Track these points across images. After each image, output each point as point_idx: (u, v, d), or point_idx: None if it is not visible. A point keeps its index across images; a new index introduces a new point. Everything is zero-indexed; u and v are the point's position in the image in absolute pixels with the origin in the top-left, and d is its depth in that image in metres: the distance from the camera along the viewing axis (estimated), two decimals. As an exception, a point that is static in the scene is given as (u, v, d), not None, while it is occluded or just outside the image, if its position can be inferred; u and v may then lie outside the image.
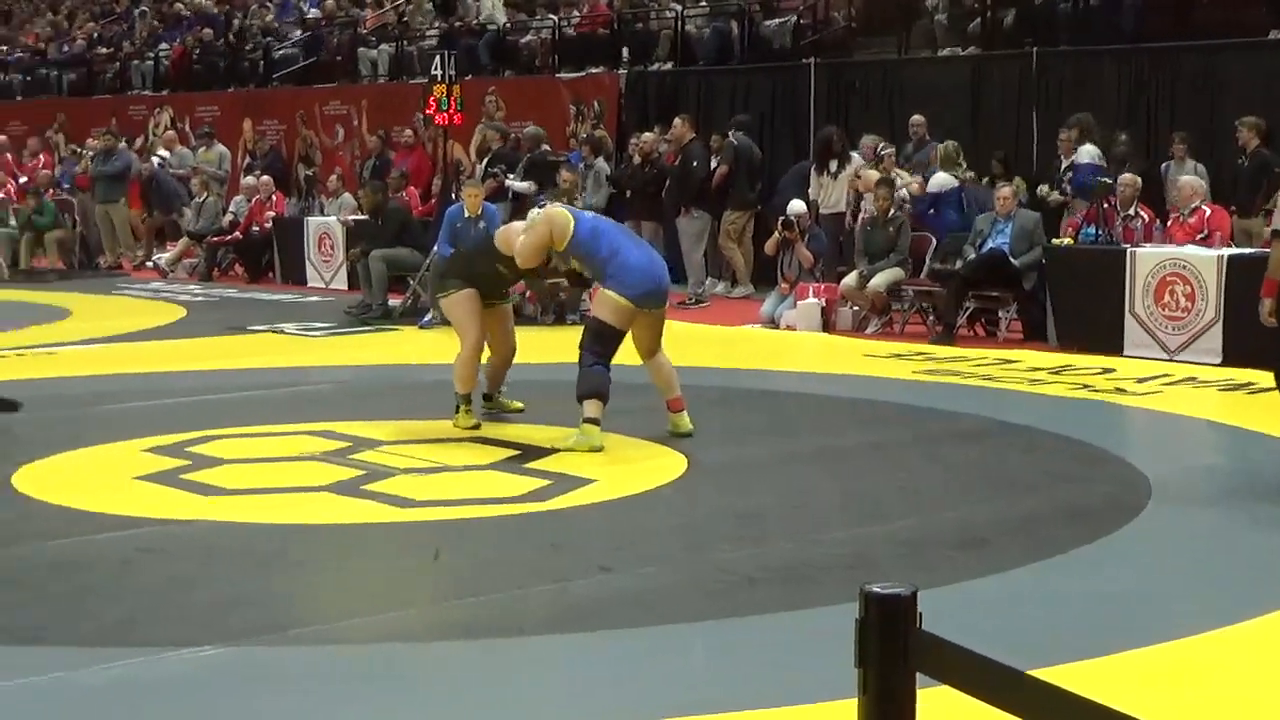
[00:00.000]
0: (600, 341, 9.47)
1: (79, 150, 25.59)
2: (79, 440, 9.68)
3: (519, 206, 18.22)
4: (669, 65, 21.61)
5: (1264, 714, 5.15)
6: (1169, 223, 14.36)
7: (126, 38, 32.92)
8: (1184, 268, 13.17)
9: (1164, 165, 15.81)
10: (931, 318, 15.15)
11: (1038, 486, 8.49)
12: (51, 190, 23.76)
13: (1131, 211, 14.40)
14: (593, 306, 9.65)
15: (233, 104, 27.33)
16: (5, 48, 35.67)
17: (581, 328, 10.16)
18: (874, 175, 16.22)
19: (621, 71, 21.76)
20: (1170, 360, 12.98)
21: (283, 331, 15.67)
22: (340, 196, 21.15)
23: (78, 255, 23.48)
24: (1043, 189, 15.97)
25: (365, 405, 11.01)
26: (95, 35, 33.64)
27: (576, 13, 23.49)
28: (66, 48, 33.66)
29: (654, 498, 8.20)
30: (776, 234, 16.16)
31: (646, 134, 19.06)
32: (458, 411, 10.11)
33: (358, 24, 27.04)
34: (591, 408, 9.34)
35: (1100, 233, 14.21)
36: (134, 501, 7.97)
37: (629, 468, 8.92)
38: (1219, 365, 12.64)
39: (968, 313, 14.94)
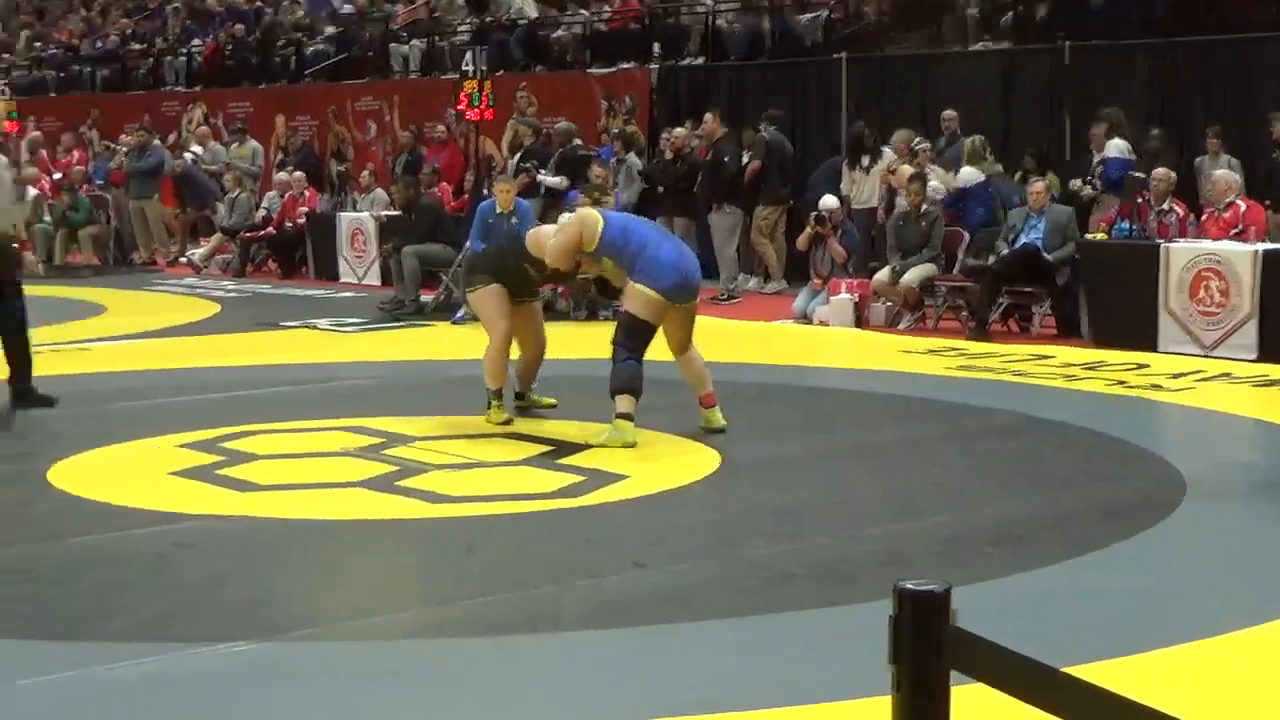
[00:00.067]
0: (632, 336, 9.47)
1: (113, 146, 25.69)
2: (113, 436, 9.73)
3: (551, 202, 18.27)
4: (700, 60, 21.59)
5: (1300, 711, 5.13)
6: (1203, 218, 14.29)
7: (159, 34, 33.02)
8: (1218, 263, 13.11)
9: (1198, 160, 15.75)
10: (965, 313, 15.12)
11: (1072, 483, 8.46)
12: (86, 186, 23.86)
13: (1165, 206, 14.34)
14: (624, 301, 9.66)
15: (265, 100, 27.40)
16: (39, 44, 35.82)
17: (614, 323, 10.16)
18: (908, 170, 16.19)
19: (653, 66, 21.75)
20: (1205, 356, 12.93)
21: (316, 327, 15.71)
22: (373, 192, 21.18)
23: (112, 251, 23.58)
24: (1075, 183, 15.91)
25: (398, 401, 11.03)
26: (128, 31, 33.75)
27: (608, 7, 23.50)
28: (100, 44, 33.78)
29: (687, 494, 8.20)
30: (809, 229, 16.14)
31: (678, 129, 19.06)
32: (489, 407, 10.13)
33: (390, 20, 27.08)
34: (624, 403, 9.34)
35: (1134, 228, 14.16)
36: (168, 497, 8.00)
37: (662, 464, 8.92)
38: (1254, 361, 12.59)
39: (1001, 308, 14.90)
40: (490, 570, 6.73)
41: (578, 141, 19.68)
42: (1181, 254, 13.41)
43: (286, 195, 21.79)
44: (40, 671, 5.34)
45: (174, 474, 8.55)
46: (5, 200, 10.96)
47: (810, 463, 9.00)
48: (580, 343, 12.60)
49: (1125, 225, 14.25)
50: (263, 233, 21.94)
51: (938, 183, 16.13)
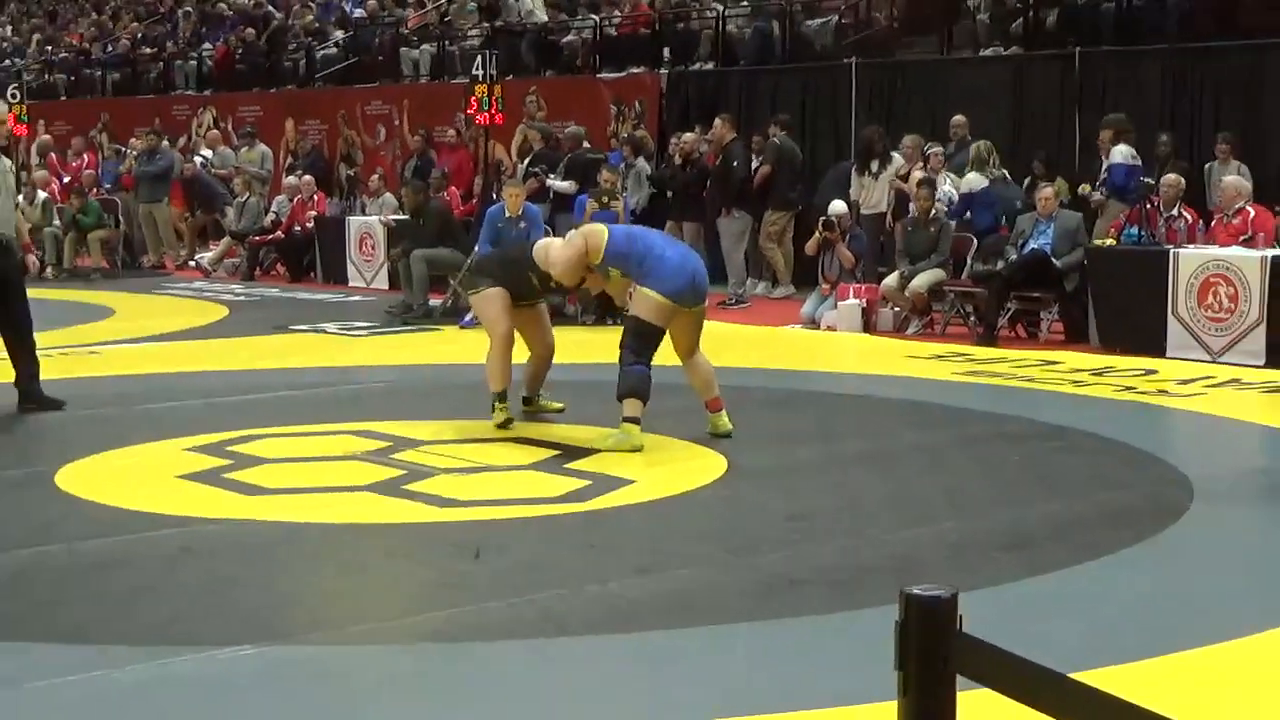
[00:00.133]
0: (640, 340, 9.47)
1: (122, 150, 25.72)
2: (122, 439, 9.73)
3: (560, 206, 18.29)
4: (710, 65, 21.61)
5: (1308, 719, 5.12)
6: (1212, 224, 14.28)
7: (170, 38, 33.08)
8: (1227, 269, 13.09)
9: (1208, 166, 15.74)
10: (973, 319, 15.11)
11: (1080, 488, 8.45)
12: (95, 190, 23.88)
13: (1174, 212, 14.33)
14: (631, 305, 9.67)
15: (275, 104, 27.43)
16: (50, 48, 35.88)
17: (621, 328, 10.16)
18: (919, 175, 16.20)
19: (663, 71, 21.77)
20: (1213, 362, 12.91)
21: (324, 331, 15.72)
22: (382, 196, 21.20)
23: (121, 254, 23.60)
24: (1084, 188, 15.91)
25: (406, 405, 11.03)
26: (139, 35, 33.81)
27: (618, 12, 23.51)
28: (110, 48, 33.84)
29: (694, 499, 8.19)
30: (817, 234, 16.14)
31: (687, 134, 19.06)
32: (494, 410, 10.13)
33: (400, 24, 27.11)
34: (631, 407, 9.34)
35: (1143, 234, 14.15)
36: (176, 501, 8.00)
37: (669, 468, 8.91)
38: (1262, 367, 12.58)
39: (1009, 314, 14.89)
40: (497, 575, 6.72)
41: (586, 145, 19.69)
42: (1190, 260, 13.40)
43: (295, 199, 21.81)
44: (47, 675, 5.34)
45: (182, 477, 8.55)
46: (8, 203, 10.96)
47: (818, 468, 8.99)
48: (588, 347, 12.60)
49: (1134, 231, 14.24)
50: (271, 236, 21.96)
51: (950, 188, 16.14)
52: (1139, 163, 15.36)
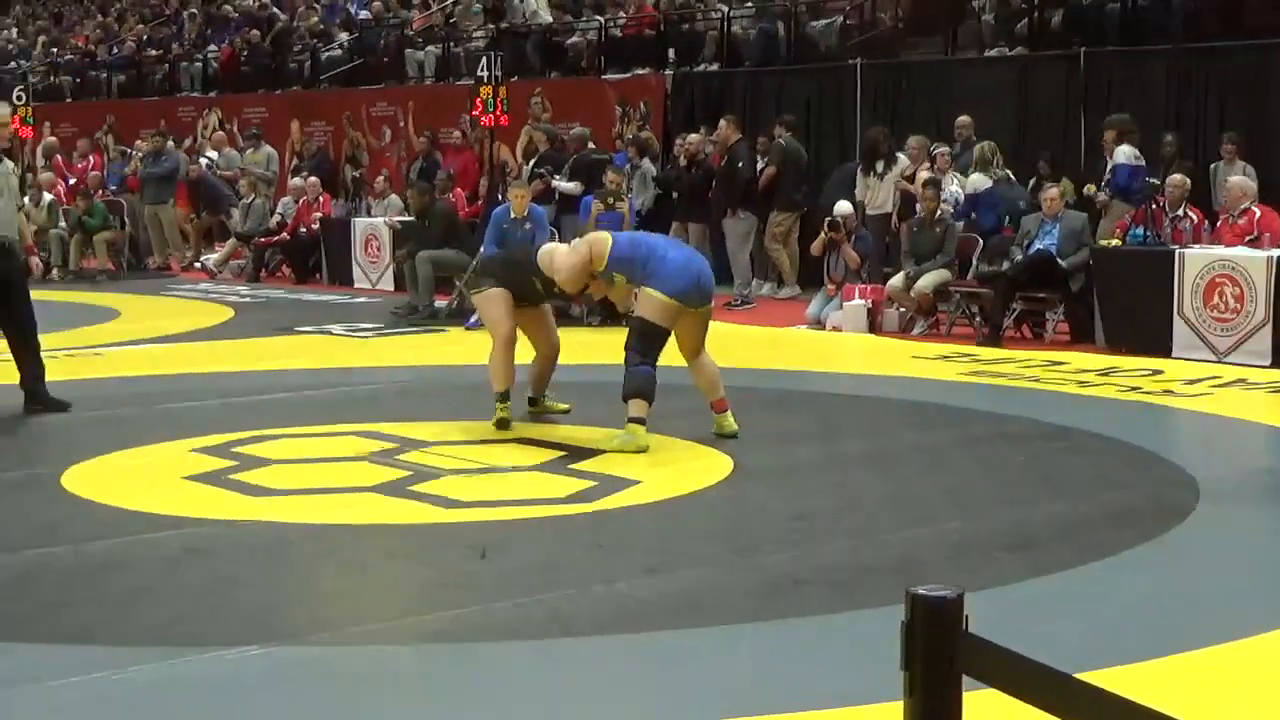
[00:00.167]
0: (645, 341, 9.48)
1: (128, 151, 25.75)
2: (127, 441, 9.74)
3: (565, 207, 18.29)
4: (715, 66, 21.61)
5: (1314, 719, 5.11)
6: (1218, 224, 14.28)
7: (175, 40, 33.11)
8: (1233, 269, 13.09)
9: (1213, 166, 15.73)
10: (978, 319, 15.10)
11: (1085, 489, 8.45)
12: (101, 191, 23.89)
13: (1180, 212, 14.33)
14: (637, 306, 9.67)
15: (281, 105, 27.45)
16: (56, 50, 35.92)
17: (627, 329, 10.17)
18: (923, 174, 16.19)
19: (668, 72, 21.77)
20: (1219, 362, 12.91)
21: (330, 332, 15.73)
22: (387, 198, 21.21)
23: (127, 256, 23.60)
24: (1089, 189, 15.89)
25: (412, 406, 11.03)
26: (144, 37, 33.84)
27: (623, 14, 23.50)
28: (116, 50, 33.88)
29: (699, 499, 8.19)
30: (822, 235, 16.14)
31: (692, 135, 19.04)
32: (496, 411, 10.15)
33: (405, 25, 27.12)
34: (637, 408, 9.35)
35: (1148, 234, 14.14)
36: (182, 502, 8.01)
37: (674, 469, 8.92)
38: (1268, 367, 12.57)
39: (1014, 314, 14.88)
40: (503, 575, 6.72)
41: (592, 146, 19.69)
42: (1196, 260, 13.39)
43: (301, 200, 21.82)
44: (53, 676, 5.35)
45: (187, 479, 8.56)
46: (10, 205, 10.97)
47: (823, 468, 8.99)
48: (594, 348, 12.60)
49: (1140, 231, 14.23)
50: (277, 238, 21.97)
51: (957, 188, 16.13)
52: (1143, 163, 15.35)
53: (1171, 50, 17.01)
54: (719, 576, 6.68)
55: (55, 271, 22.11)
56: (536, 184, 18.34)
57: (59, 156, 26.41)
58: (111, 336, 15.47)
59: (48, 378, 10.96)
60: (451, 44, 25.65)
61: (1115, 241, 14.46)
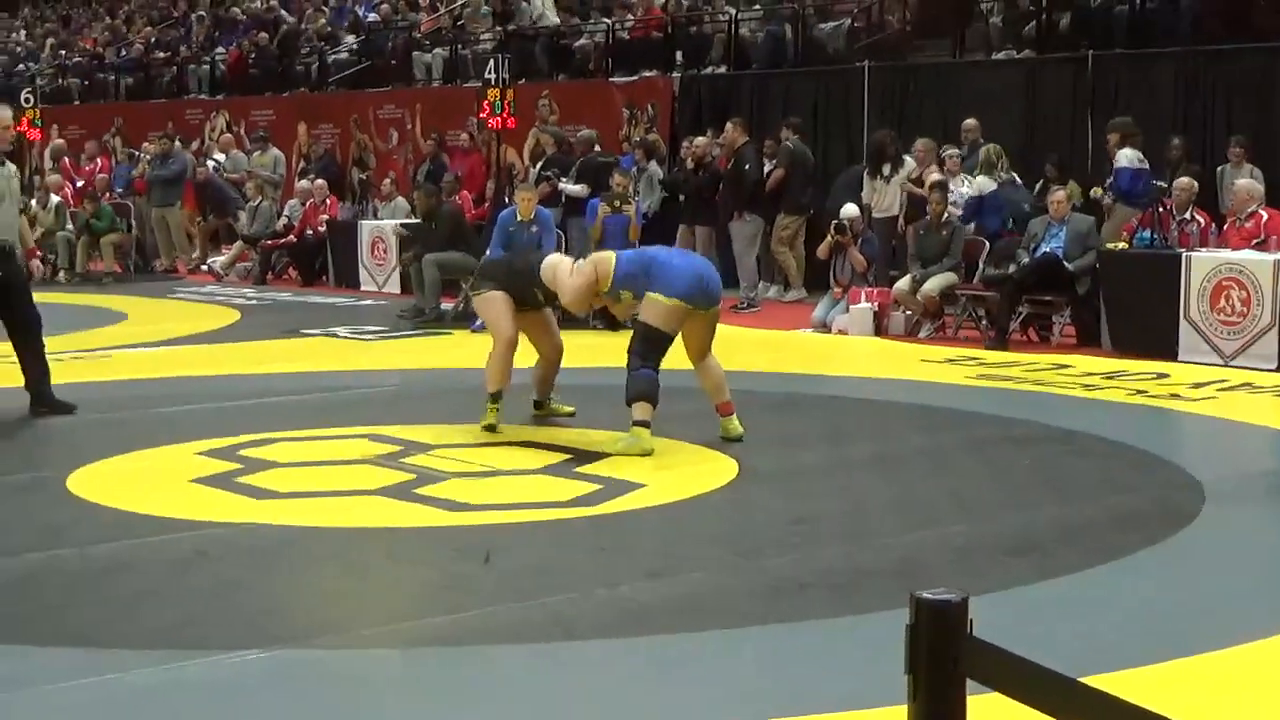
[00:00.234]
0: (648, 345, 9.48)
1: (136, 154, 25.77)
2: (133, 443, 9.74)
3: (572, 210, 18.29)
4: (723, 69, 21.61)
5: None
6: (1225, 227, 14.26)
7: (183, 42, 33.15)
8: (1240, 272, 13.07)
9: (1220, 169, 15.72)
10: (984, 322, 15.09)
11: (1091, 492, 8.44)
12: (108, 194, 23.91)
13: (1187, 216, 14.31)
14: (640, 311, 9.66)
15: (288, 108, 27.46)
16: (64, 52, 35.97)
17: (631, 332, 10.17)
18: (934, 176, 16.19)
19: (675, 75, 21.77)
20: (1225, 366, 12.89)
21: (336, 335, 15.74)
22: (394, 200, 21.22)
23: (134, 259, 23.63)
24: (1096, 191, 15.89)
25: (417, 409, 11.03)
26: (152, 40, 33.88)
27: (630, 16, 23.51)
28: (124, 52, 33.91)
29: (704, 503, 8.19)
30: (829, 238, 16.13)
31: (699, 138, 19.04)
32: (487, 411, 10.14)
33: (413, 28, 27.13)
34: (641, 411, 9.35)
35: (1155, 237, 14.13)
36: (187, 504, 8.01)
37: (679, 472, 8.91)
38: (1275, 371, 12.55)
39: (1021, 317, 14.87)
40: (507, 578, 6.72)
41: (598, 149, 19.69)
42: (1203, 264, 13.37)
43: (308, 203, 21.83)
44: (57, 678, 5.35)
45: (193, 481, 8.56)
46: (11, 209, 10.98)
47: (828, 472, 8.99)
48: (598, 352, 12.59)
49: (1146, 234, 14.22)
50: (284, 240, 21.97)
51: (967, 189, 16.12)
52: (1145, 166, 15.35)
53: (1179, 53, 16.99)
54: (723, 580, 6.68)
55: (62, 274, 22.16)
56: (543, 187, 18.33)
57: (66, 159, 26.43)
58: (118, 339, 15.48)
59: (54, 380, 10.97)
60: (459, 46, 25.65)
61: (1122, 244, 14.45)
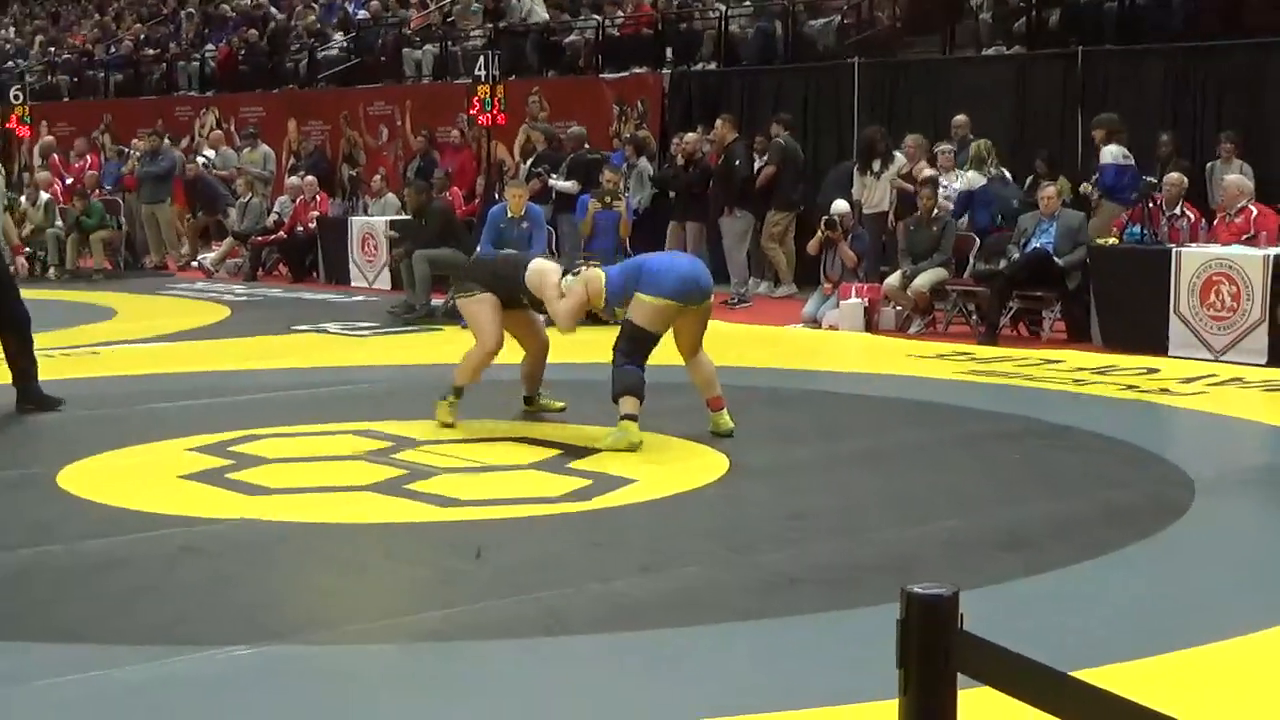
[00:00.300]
0: (633, 344, 9.48)
1: (125, 151, 25.73)
2: (124, 439, 9.73)
3: (562, 206, 18.28)
4: (713, 65, 21.60)
5: (1310, 717, 5.11)
6: (1215, 222, 14.28)
7: (173, 39, 33.11)
8: (1230, 268, 13.09)
9: (1210, 164, 15.73)
10: (975, 318, 15.10)
11: (1081, 487, 8.45)
12: (98, 190, 23.88)
13: (1177, 211, 14.33)
14: (629, 311, 9.64)
15: (278, 104, 27.43)
16: (53, 49, 35.91)
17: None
18: (927, 172, 16.20)
19: (665, 71, 21.77)
20: (1215, 361, 12.91)
21: (326, 331, 15.72)
22: (384, 197, 21.20)
23: (124, 255, 23.59)
24: (1085, 187, 15.91)
25: (408, 405, 11.02)
26: (142, 37, 33.84)
27: (620, 13, 23.50)
28: (113, 49, 33.86)
29: (696, 498, 8.19)
30: (819, 234, 16.13)
31: (690, 134, 19.03)
32: (444, 399, 10.14)
33: (403, 24, 27.11)
34: (628, 404, 9.35)
35: (1145, 232, 14.14)
36: (178, 501, 8.00)
37: (670, 467, 8.91)
38: (1265, 366, 12.57)
39: (1011, 313, 14.89)
40: (499, 574, 6.72)
41: (587, 146, 19.68)
42: (1193, 259, 13.39)
43: (298, 199, 21.81)
44: (47, 674, 5.34)
45: (183, 478, 8.55)
46: None
47: (819, 467, 8.99)
48: (588, 347, 12.54)
49: (1136, 230, 14.23)
50: (274, 237, 21.95)
51: (959, 185, 16.13)
52: (1130, 162, 15.38)
53: (1169, 49, 17.00)
54: (715, 575, 6.68)
55: (52, 271, 22.13)
56: (534, 183, 18.33)
57: (56, 156, 26.40)
58: (108, 335, 15.46)
59: (44, 376, 10.95)
60: (449, 43, 25.64)
61: (1112, 240, 14.46)
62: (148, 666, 5.41)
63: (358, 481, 8.47)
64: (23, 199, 23.09)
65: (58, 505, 8.00)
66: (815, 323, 15.85)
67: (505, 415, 10.45)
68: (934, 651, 2.71)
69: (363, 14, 28.36)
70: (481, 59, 20.07)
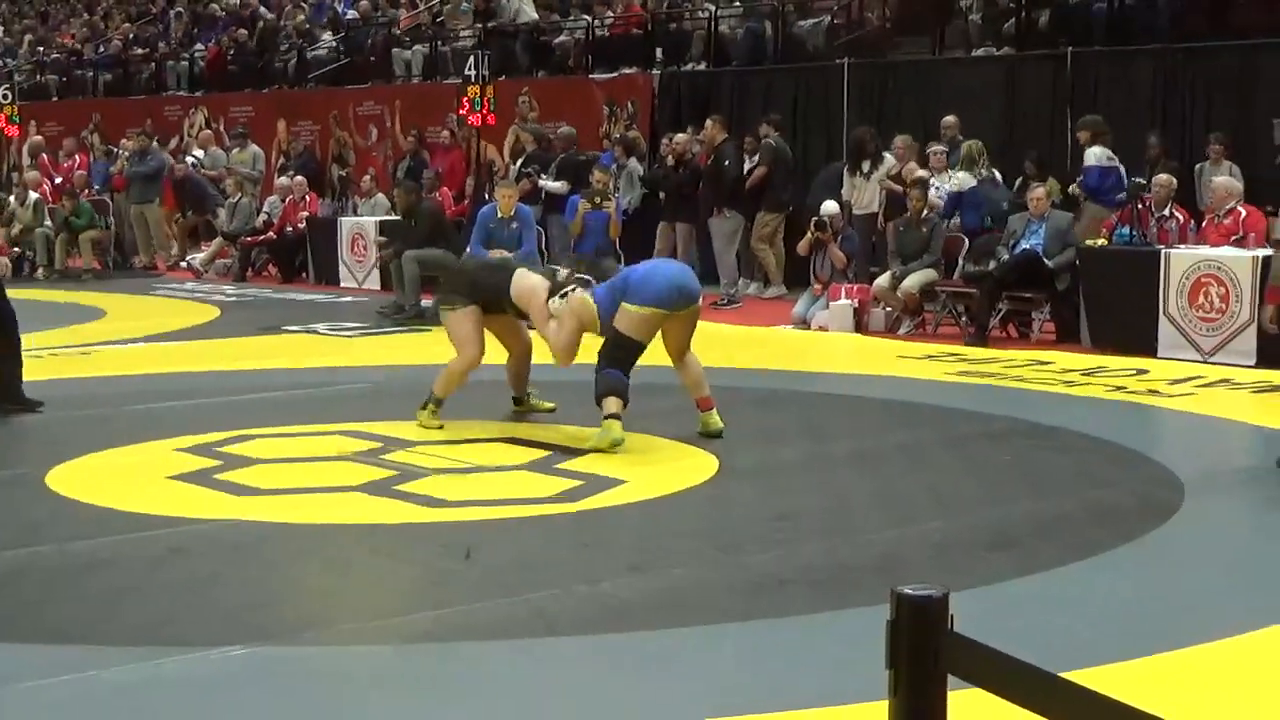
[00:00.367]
0: (617, 351, 9.47)
1: (114, 150, 25.71)
2: (112, 440, 9.72)
3: (552, 207, 18.27)
4: (702, 66, 21.60)
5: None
6: (1203, 224, 14.30)
7: (162, 38, 33.07)
8: (1219, 269, 13.10)
9: (1199, 166, 15.75)
10: (964, 319, 15.11)
11: (1070, 488, 8.45)
12: (87, 190, 23.85)
13: (1166, 212, 14.34)
14: (615, 319, 9.61)
15: (267, 104, 27.41)
16: (42, 49, 35.86)
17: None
18: (919, 173, 16.20)
19: (655, 72, 21.76)
20: (1204, 362, 12.92)
21: (316, 332, 15.71)
22: (374, 197, 21.19)
23: (112, 255, 23.57)
24: (1074, 188, 15.92)
25: (397, 406, 11.00)
26: (131, 36, 33.79)
27: (610, 13, 23.49)
28: (102, 48, 33.81)
29: (685, 499, 8.19)
30: (809, 235, 16.13)
31: (679, 135, 19.03)
32: (424, 407, 10.13)
33: (392, 24, 27.09)
34: (611, 404, 9.34)
35: (1134, 234, 14.16)
36: (167, 501, 7.99)
37: (659, 469, 8.91)
38: (1253, 367, 12.58)
39: (1001, 314, 14.89)
40: (488, 575, 6.71)
41: (576, 146, 19.68)
42: (1182, 260, 13.41)
43: (287, 200, 21.79)
44: (35, 675, 5.33)
45: (172, 478, 8.54)
46: None
47: (808, 468, 8.99)
48: (580, 349, 12.55)
49: (1126, 231, 14.24)
50: (263, 237, 21.93)
51: (950, 186, 16.13)
52: (1115, 164, 15.39)
53: (1158, 50, 17.01)
54: (704, 576, 6.68)
55: (41, 271, 22.09)
56: (524, 183, 18.32)
57: (45, 155, 26.35)
58: (97, 336, 15.43)
59: (33, 376, 10.92)
60: (439, 43, 25.62)
61: (1100, 241, 14.47)
62: (136, 667, 5.41)
63: (347, 482, 8.46)
64: (11, 199, 23.05)
65: (46, 506, 7.99)
66: (805, 323, 15.86)
67: (494, 416, 10.44)
68: (923, 652, 2.71)
69: (352, 14, 28.33)
70: (471, 59, 20.07)
